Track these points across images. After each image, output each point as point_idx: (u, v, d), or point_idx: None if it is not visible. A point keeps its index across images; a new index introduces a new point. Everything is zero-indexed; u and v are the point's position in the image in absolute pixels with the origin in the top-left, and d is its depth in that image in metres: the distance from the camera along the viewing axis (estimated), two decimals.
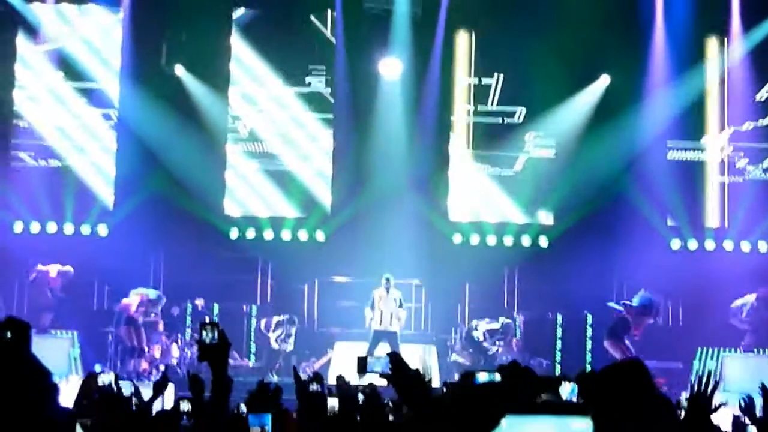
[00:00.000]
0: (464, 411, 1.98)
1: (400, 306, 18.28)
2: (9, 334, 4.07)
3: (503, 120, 21.17)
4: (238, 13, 21.35)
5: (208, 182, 20.59)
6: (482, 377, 5.75)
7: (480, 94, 21.20)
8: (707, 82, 20.97)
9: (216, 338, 4.25)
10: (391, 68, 21.14)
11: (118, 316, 18.35)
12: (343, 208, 20.77)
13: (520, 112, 21.08)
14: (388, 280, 18.19)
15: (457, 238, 20.94)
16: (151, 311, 18.57)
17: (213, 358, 4.27)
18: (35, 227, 20.33)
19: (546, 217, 20.95)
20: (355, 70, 21.13)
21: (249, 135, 21.33)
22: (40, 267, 19.01)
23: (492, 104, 21.19)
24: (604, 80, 21.02)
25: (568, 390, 6.94)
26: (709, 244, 20.58)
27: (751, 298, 18.65)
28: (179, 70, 21.16)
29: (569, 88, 20.84)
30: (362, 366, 5.31)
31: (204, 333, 4.27)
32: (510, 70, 20.97)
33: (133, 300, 18.32)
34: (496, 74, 21.07)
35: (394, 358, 3.99)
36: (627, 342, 17.14)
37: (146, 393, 8.14)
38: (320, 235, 20.91)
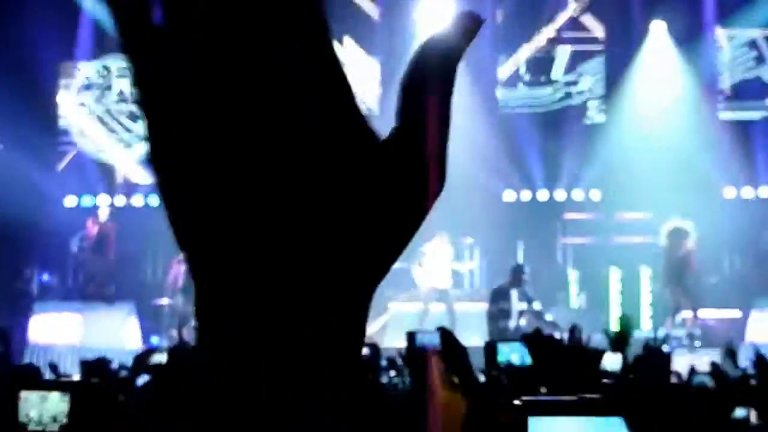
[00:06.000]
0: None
1: (453, 262, 18.32)
2: None
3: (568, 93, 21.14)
4: None
5: None
6: (506, 349, 5.73)
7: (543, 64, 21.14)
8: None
9: None
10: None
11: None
12: None
13: (586, 81, 21.02)
14: (439, 236, 18.23)
15: (509, 195, 20.88)
16: None
17: None
18: (87, 200, 20.50)
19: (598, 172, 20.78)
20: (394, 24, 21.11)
21: None
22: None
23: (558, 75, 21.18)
24: (657, 26, 20.89)
25: (616, 361, 6.75)
26: (764, 192, 20.30)
27: None
28: None
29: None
30: (412, 341, 5.29)
31: None
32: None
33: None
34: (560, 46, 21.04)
35: (444, 334, 3.95)
36: None
37: None
38: None
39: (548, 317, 16.86)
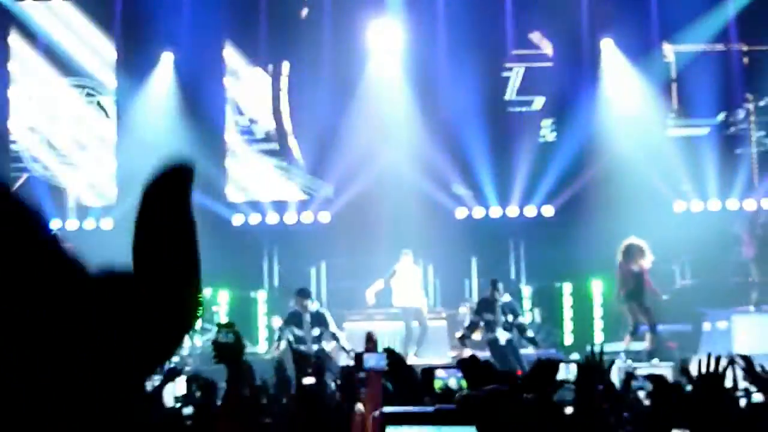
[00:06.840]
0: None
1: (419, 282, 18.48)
2: None
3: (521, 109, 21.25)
4: None
5: (208, 169, 20.52)
6: (441, 374, 5.79)
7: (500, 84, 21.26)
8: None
9: (232, 338, 4.25)
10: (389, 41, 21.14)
11: None
12: (346, 187, 20.72)
13: (539, 100, 21.14)
14: (406, 255, 18.26)
15: (461, 212, 20.93)
16: None
17: (229, 359, 4.28)
18: None
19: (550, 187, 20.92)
20: (346, 46, 21.11)
21: (249, 122, 21.38)
22: None
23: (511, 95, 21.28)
24: (606, 44, 21.07)
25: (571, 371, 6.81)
26: (713, 205, 20.52)
27: None
28: (169, 57, 21.19)
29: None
30: (359, 362, 5.31)
31: (220, 334, 4.26)
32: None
33: None
34: (516, 67, 21.14)
35: (392, 355, 4.00)
36: None
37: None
38: (325, 217, 20.88)
39: (530, 333, 16.93)
